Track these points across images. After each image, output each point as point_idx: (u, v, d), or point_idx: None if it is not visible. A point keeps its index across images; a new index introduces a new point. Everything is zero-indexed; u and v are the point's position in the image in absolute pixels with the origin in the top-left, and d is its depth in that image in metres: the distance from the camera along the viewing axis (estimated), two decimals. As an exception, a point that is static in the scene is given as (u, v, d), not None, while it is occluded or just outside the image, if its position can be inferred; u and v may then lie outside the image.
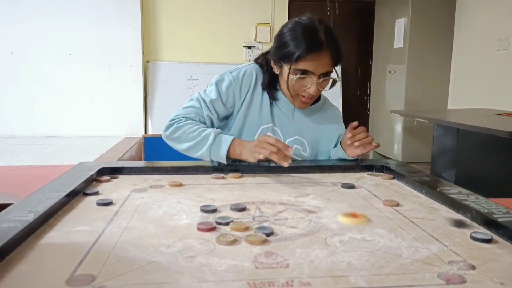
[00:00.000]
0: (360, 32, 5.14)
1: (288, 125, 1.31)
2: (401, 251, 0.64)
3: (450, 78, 4.22)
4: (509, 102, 3.28)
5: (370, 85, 5.13)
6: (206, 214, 0.81)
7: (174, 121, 1.24)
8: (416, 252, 0.64)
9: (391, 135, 4.50)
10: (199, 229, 0.72)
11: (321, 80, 1.18)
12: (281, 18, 4.76)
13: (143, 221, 0.78)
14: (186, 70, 4.56)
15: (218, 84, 1.28)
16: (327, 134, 1.35)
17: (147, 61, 4.52)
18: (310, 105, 1.30)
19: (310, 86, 1.18)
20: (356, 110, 5.21)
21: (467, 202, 0.82)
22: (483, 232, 0.71)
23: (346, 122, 4.48)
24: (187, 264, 0.59)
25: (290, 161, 1.06)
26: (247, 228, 0.73)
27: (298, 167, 1.19)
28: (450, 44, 4.18)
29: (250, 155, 1.12)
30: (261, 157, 1.08)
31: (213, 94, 1.26)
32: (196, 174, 1.14)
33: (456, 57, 4.13)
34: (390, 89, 4.53)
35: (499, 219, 0.72)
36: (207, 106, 1.25)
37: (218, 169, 1.16)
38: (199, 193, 0.97)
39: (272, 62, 1.25)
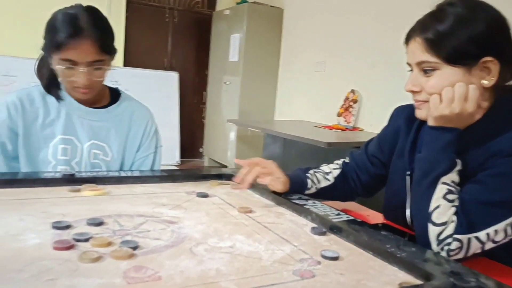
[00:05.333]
0: (198, 42, 5.29)
1: (82, 129, 1.25)
2: (260, 254, 0.71)
3: (277, 92, 4.69)
4: (324, 116, 3.82)
5: (206, 94, 5.32)
6: (59, 231, 0.75)
7: None
8: (273, 254, 0.72)
9: (226, 142, 4.75)
10: (56, 248, 0.67)
11: (94, 68, 1.15)
12: (118, 17, 4.57)
13: (-21, 244, 0.67)
14: (0, 64, 3.98)
15: None
16: (132, 136, 1.32)
17: (-50, 51, 3.80)
18: (106, 106, 1.29)
19: (77, 76, 1.14)
20: (192, 117, 5.34)
21: (307, 207, 0.95)
22: (322, 231, 0.84)
23: (183, 129, 4.51)
24: (48, 289, 0.55)
25: None
26: (109, 243, 0.70)
27: (150, 177, 1.18)
28: (277, 61, 4.65)
29: None
30: None
31: None
32: (34, 187, 1.03)
33: (282, 74, 4.62)
34: (225, 99, 4.79)
35: (333, 220, 0.87)
36: None
37: (69, 180, 1.06)
38: (43, 208, 0.88)
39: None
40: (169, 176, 1.21)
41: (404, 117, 1.02)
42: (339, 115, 3.59)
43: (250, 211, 0.95)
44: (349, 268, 0.68)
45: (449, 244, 0.77)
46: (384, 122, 1.12)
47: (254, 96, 4.56)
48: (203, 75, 5.34)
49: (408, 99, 1.05)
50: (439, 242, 0.78)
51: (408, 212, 0.94)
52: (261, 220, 0.90)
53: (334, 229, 0.84)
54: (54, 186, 1.04)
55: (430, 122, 0.85)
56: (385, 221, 1.05)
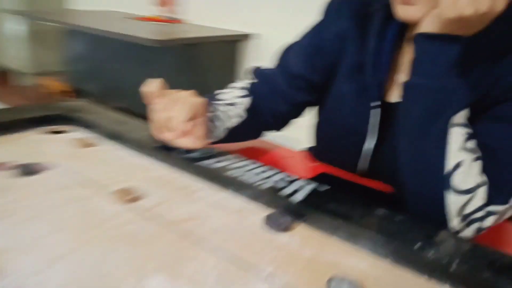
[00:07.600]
0: None
1: None
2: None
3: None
4: (136, 5, 3.16)
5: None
6: None
7: None
8: None
9: (5, 41, 3.62)
10: None
11: None
12: None
13: None
14: None
15: None
16: None
17: None
18: None
19: None
20: None
21: (229, 173, 0.57)
22: (284, 220, 0.49)
23: None
24: None
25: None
26: None
27: None
28: None
29: None
30: None
31: None
32: None
33: None
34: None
35: (292, 193, 0.52)
36: None
37: None
38: None
39: None
40: None
41: (351, 14, 0.67)
42: (161, 4, 2.99)
43: (137, 198, 0.52)
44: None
45: (481, 219, 0.52)
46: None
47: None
48: None
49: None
50: (465, 217, 0.52)
51: (367, 147, 0.66)
52: (167, 217, 0.49)
53: (304, 215, 0.50)
54: None
55: (432, 27, 0.53)
56: (322, 168, 0.76)
